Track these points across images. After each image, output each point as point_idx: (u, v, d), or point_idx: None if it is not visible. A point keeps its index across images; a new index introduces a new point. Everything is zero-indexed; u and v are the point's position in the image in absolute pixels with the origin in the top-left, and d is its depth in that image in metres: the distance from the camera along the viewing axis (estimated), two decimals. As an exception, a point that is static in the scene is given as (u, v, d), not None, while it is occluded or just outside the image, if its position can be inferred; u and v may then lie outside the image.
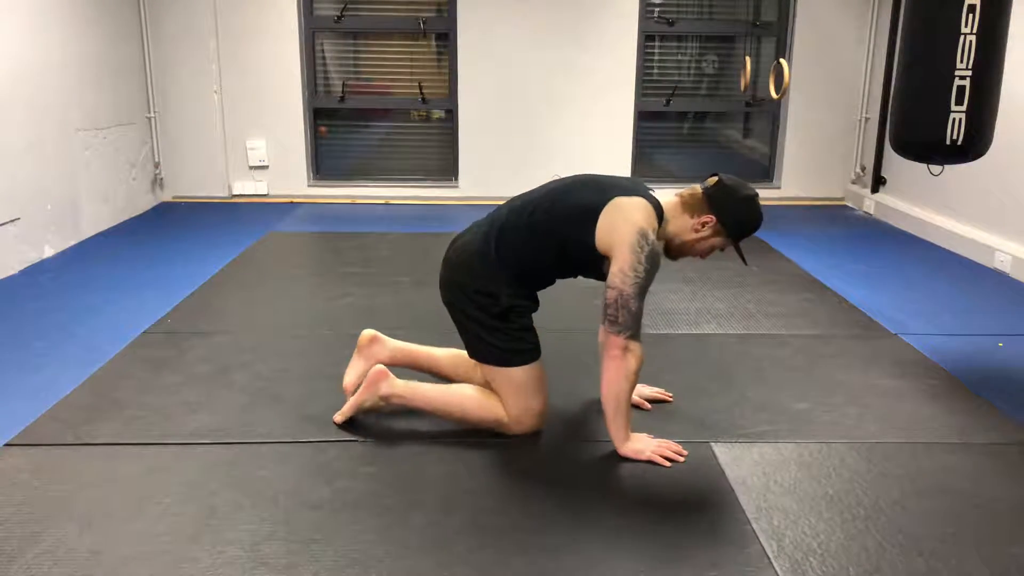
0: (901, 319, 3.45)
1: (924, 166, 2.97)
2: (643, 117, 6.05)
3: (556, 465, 2.22)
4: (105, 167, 5.01)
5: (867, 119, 5.90)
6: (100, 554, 1.80)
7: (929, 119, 2.75)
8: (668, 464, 2.20)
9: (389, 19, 5.84)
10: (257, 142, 5.89)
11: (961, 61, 2.67)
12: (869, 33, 5.80)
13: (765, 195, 5.94)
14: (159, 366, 2.85)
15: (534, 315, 2.33)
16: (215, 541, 1.85)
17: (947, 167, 2.96)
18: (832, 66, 5.89)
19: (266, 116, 5.84)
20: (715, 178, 2.22)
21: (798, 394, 2.68)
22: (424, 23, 5.80)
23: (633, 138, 6.00)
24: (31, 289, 3.78)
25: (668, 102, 6.04)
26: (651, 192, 2.23)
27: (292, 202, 5.93)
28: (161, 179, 5.79)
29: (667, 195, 2.25)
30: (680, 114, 6.15)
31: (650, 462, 2.20)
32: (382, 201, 6.00)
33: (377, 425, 2.42)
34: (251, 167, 5.93)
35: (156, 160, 5.72)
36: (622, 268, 2.09)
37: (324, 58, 5.95)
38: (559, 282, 2.35)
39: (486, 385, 2.34)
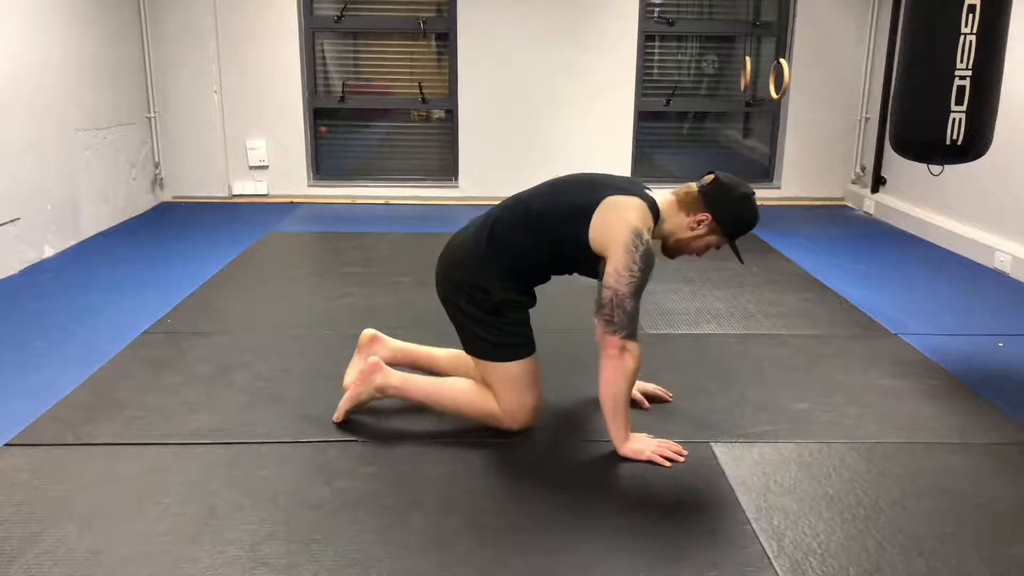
0: (901, 319, 3.45)
1: (924, 166, 2.97)
2: (643, 117, 6.05)
3: (556, 465, 2.22)
4: (105, 167, 5.01)
5: (867, 119, 5.90)
6: (100, 554, 1.80)
7: (929, 119, 2.75)
8: (668, 464, 2.20)
9: (389, 19, 5.84)
10: (257, 142, 5.89)
11: (961, 61, 2.67)
12: (869, 33, 5.80)
13: (765, 195, 6.00)
14: (159, 366, 2.85)
15: (533, 314, 2.33)
16: (215, 541, 1.85)
17: (947, 167, 2.96)
18: (832, 66, 5.89)
19: (266, 116, 5.84)
20: (711, 176, 2.22)
21: (798, 394, 2.68)
22: (424, 23, 5.80)
23: (633, 138, 6.00)
24: (31, 289, 3.78)
25: (668, 102, 6.04)
26: (647, 191, 2.23)
27: (292, 202, 5.93)
28: (161, 179, 5.80)
29: (663, 193, 2.25)
30: (680, 114, 6.15)
31: (650, 462, 2.20)
32: (382, 201, 6.00)
33: (377, 425, 2.42)
34: (251, 167, 5.93)
35: (156, 160, 5.72)
36: (617, 268, 2.09)
37: (324, 58, 5.95)
38: (557, 283, 2.35)
39: (483, 382, 2.34)
